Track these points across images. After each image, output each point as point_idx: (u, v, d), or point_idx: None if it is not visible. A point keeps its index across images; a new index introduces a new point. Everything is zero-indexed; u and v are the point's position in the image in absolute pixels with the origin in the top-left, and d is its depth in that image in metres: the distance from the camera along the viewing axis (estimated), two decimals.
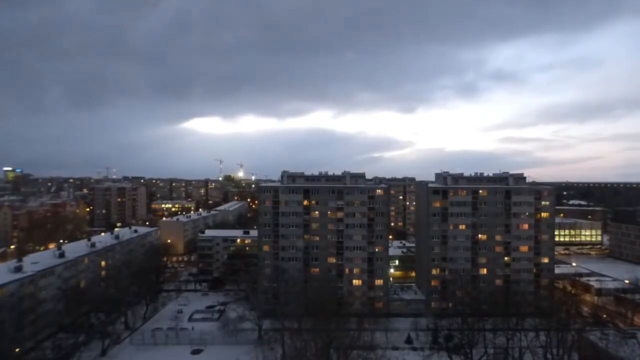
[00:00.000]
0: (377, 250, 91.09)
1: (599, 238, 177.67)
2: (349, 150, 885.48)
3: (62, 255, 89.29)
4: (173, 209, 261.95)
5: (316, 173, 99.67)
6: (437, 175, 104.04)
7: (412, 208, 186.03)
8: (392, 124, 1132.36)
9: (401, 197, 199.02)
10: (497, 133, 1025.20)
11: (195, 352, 72.70)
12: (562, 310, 67.88)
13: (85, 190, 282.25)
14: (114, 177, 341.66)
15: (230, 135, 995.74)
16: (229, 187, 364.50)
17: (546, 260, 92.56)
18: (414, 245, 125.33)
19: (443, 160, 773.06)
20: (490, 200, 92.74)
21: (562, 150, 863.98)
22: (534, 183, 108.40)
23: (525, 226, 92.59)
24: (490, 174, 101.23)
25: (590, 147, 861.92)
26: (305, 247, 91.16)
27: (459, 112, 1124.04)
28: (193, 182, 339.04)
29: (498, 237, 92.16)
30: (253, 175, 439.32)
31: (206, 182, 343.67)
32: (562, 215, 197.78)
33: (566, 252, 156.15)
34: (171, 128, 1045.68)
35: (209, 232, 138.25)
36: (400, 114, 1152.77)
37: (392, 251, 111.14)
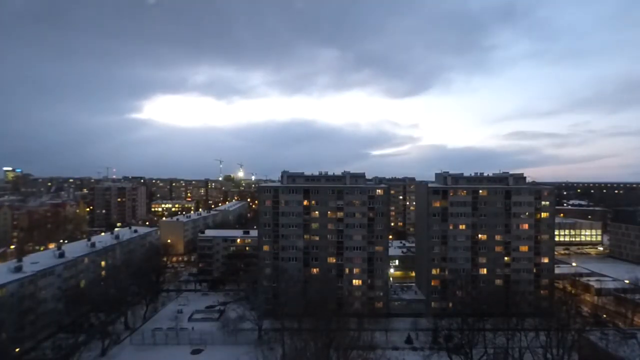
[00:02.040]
0: (377, 250, 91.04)
1: (599, 238, 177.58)
2: (337, 147, 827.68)
3: (62, 255, 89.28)
4: (173, 209, 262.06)
5: (316, 173, 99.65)
6: (437, 175, 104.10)
7: (412, 208, 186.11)
8: (388, 113, 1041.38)
9: (401, 197, 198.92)
10: (509, 125, 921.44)
11: (195, 352, 72.68)
12: (562, 310, 67.92)
13: (85, 190, 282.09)
14: (114, 177, 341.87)
15: (191, 130, 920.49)
16: (229, 187, 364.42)
17: (546, 260, 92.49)
18: (414, 245, 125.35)
19: (445, 157, 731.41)
20: (490, 200, 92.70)
21: (577, 147, 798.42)
22: (534, 183, 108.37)
23: (525, 226, 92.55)
24: (490, 174, 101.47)
25: (611, 142, 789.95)
26: (305, 247, 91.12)
27: (467, 94, 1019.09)
28: (193, 182, 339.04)
29: (498, 237, 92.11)
30: (253, 175, 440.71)
31: (206, 182, 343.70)
32: (562, 215, 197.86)
33: (566, 252, 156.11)
34: (120, 119, 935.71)
35: (209, 232, 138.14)
36: (395, 99, 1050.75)
37: (392, 251, 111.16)
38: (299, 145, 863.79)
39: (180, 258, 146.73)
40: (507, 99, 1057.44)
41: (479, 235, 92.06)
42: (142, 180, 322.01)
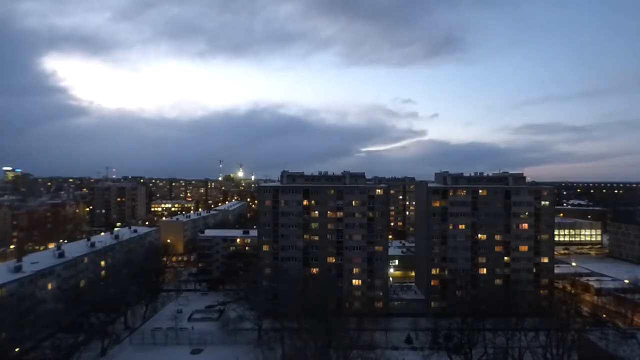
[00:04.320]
0: (377, 250, 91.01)
1: (599, 238, 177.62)
2: (316, 140, 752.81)
3: (62, 255, 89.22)
4: (173, 209, 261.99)
5: (316, 173, 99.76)
6: (437, 175, 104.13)
7: (412, 208, 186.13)
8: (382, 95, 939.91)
9: (401, 197, 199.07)
10: (528, 111, 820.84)
11: (195, 352, 72.67)
12: (562, 310, 67.98)
13: (85, 190, 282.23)
14: (114, 177, 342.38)
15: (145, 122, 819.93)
16: (229, 187, 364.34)
17: (546, 260, 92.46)
18: (414, 245, 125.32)
19: (448, 153, 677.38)
20: (490, 200, 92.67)
21: (599, 141, 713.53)
22: (533, 183, 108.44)
23: (525, 226, 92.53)
24: (491, 174, 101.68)
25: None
26: (305, 247, 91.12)
27: (483, 67, 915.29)
28: (193, 182, 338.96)
29: (498, 237, 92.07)
30: (253, 175, 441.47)
31: (206, 182, 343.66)
32: (562, 215, 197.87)
33: (566, 252, 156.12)
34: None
35: (209, 232, 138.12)
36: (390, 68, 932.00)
37: (392, 251, 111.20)
38: (270, 140, 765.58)
39: (180, 258, 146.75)
40: (532, 74, 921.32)
41: (479, 235, 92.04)
42: (142, 180, 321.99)
